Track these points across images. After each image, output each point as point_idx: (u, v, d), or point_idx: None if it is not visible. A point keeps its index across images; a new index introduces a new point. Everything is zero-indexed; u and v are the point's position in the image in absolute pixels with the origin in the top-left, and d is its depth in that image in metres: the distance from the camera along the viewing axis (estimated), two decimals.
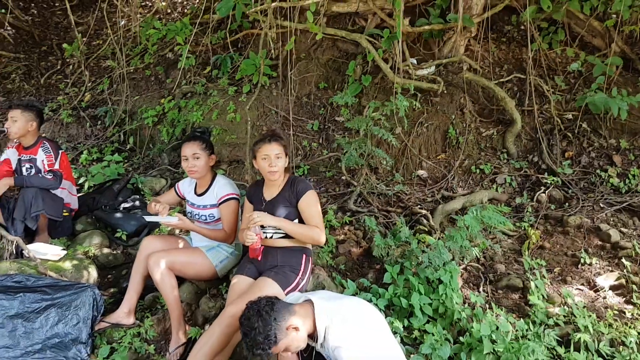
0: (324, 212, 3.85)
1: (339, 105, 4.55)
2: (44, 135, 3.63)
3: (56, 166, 3.52)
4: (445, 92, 4.46)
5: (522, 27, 4.27)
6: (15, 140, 3.55)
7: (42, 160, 3.50)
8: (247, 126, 4.36)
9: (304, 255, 2.84)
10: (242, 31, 5.08)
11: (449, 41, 4.61)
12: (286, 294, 2.69)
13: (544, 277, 3.13)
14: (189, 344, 2.79)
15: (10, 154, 3.53)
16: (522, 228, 3.63)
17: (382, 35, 4.31)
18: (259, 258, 2.78)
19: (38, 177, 3.43)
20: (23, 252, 3.12)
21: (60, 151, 3.58)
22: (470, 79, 4.47)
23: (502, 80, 4.59)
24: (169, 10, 6.05)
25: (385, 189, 4.09)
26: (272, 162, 2.77)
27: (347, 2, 4.67)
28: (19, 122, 3.45)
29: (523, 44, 4.74)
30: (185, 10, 5.93)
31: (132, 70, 5.26)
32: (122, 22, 5.25)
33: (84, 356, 2.76)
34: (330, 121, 4.65)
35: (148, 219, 3.03)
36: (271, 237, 2.83)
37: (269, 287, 2.65)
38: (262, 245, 2.75)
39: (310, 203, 2.77)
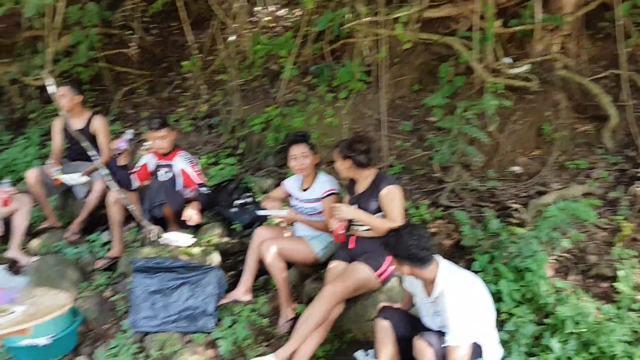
0: (417, 207, 4.25)
1: (431, 106, 4.92)
2: (177, 144, 4.37)
3: (203, 179, 4.18)
4: (539, 89, 4.66)
5: (618, 23, 4.36)
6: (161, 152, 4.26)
7: (183, 169, 4.11)
8: (343, 129, 4.89)
9: None
10: (339, 41, 5.62)
11: (542, 40, 4.79)
12: (377, 276, 3.16)
13: (634, 267, 3.29)
14: (296, 318, 3.34)
15: (149, 158, 4.31)
16: (616, 221, 3.76)
17: (473, 37, 4.63)
18: (351, 244, 3.27)
19: (204, 194, 4.11)
20: (160, 239, 3.87)
21: (195, 157, 4.27)
22: (565, 76, 4.63)
23: (597, 76, 4.69)
24: (272, 25, 6.76)
25: (478, 185, 4.39)
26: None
27: (439, 8, 5.03)
28: (168, 138, 4.11)
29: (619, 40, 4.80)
30: (287, 24, 6.60)
31: (242, 83, 6.00)
32: (232, 39, 6.01)
33: (211, 326, 3.40)
34: (423, 122, 5.04)
35: (261, 213, 3.68)
36: (358, 230, 3.30)
37: (361, 269, 3.14)
38: (344, 232, 3.22)
39: (390, 197, 3.14)
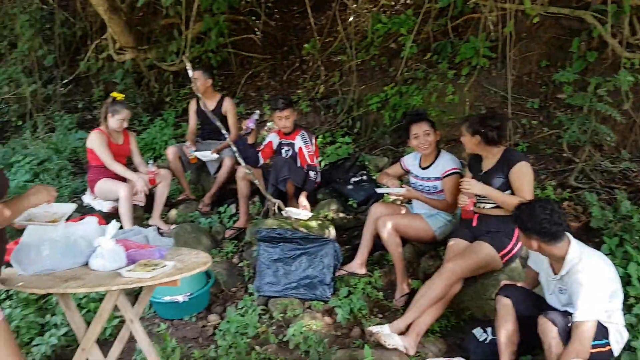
0: (543, 188, 4.09)
1: (560, 82, 4.66)
2: (298, 124, 4.62)
3: (315, 160, 4.41)
4: None
5: None
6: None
7: (301, 148, 4.39)
8: (464, 107, 4.80)
9: None
10: (462, 17, 5.50)
11: None
12: (500, 257, 3.12)
13: None
14: (412, 294, 3.40)
15: (273, 137, 4.59)
16: None
17: (608, 10, 4.31)
18: (474, 222, 3.24)
19: (312, 182, 4.36)
20: (282, 212, 4.12)
21: (313, 137, 4.49)
22: None
23: None
24: (392, 3, 6.77)
25: (610, 166, 4.12)
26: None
27: None
28: (291, 118, 4.39)
29: None
30: (408, 2, 6.56)
31: (359, 63, 6.11)
32: (351, 19, 6.13)
33: (328, 294, 3.59)
34: (552, 99, 4.79)
35: (380, 191, 3.78)
36: (484, 207, 3.26)
37: (484, 249, 3.11)
38: (473, 210, 3.20)
39: (520, 174, 3.06)
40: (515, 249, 3.19)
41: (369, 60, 6.22)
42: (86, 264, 2.32)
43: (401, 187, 3.67)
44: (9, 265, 2.24)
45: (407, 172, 3.84)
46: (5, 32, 8.09)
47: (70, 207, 2.29)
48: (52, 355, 3.09)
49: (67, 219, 2.30)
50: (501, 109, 4.77)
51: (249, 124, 4.24)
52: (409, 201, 3.94)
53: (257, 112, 4.34)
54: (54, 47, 7.79)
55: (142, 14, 7.71)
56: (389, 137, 5.46)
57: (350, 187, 4.63)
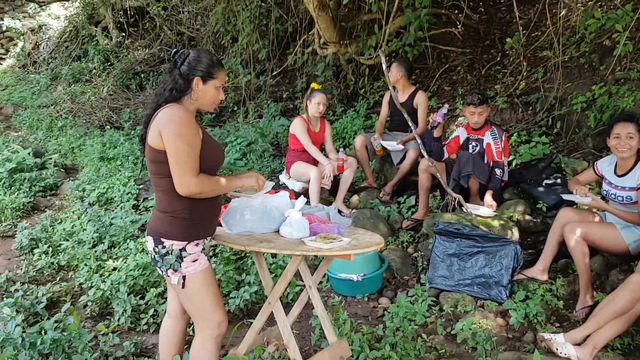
0: None
1: None
2: (489, 120, 4.59)
3: (502, 157, 4.34)
4: None
5: None
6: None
7: (489, 144, 4.36)
8: None
9: None
10: None
11: None
12: None
13: None
14: (594, 306, 3.21)
15: (460, 131, 4.65)
16: None
17: None
18: None
19: (497, 179, 4.32)
20: (462, 207, 4.17)
21: (504, 134, 4.41)
22: None
23: None
24: None
25: None
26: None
27: None
28: (484, 114, 4.36)
29: None
30: None
31: (566, 59, 5.76)
32: (562, 13, 5.80)
33: (503, 296, 3.55)
34: None
35: (566, 197, 3.61)
36: None
37: None
38: None
39: None
40: None
41: (577, 57, 5.83)
42: (277, 231, 2.71)
43: (587, 195, 3.45)
44: (219, 224, 2.74)
45: (601, 177, 3.60)
46: (229, 27, 9.34)
47: (269, 185, 2.70)
48: (243, 308, 3.63)
49: (265, 192, 2.72)
50: None
51: (437, 117, 4.36)
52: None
53: (446, 105, 4.43)
54: (268, 42, 8.77)
55: (347, 10, 8.24)
56: (591, 140, 5.09)
57: (541, 189, 4.47)
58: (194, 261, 2.33)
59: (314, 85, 5.00)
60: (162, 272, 2.36)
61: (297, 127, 4.93)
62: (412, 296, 3.75)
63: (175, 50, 2.38)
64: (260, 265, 2.78)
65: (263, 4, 8.90)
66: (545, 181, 4.50)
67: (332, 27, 7.38)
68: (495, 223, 4.01)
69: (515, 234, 3.96)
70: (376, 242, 2.61)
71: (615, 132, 3.33)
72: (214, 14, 9.51)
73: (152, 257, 2.37)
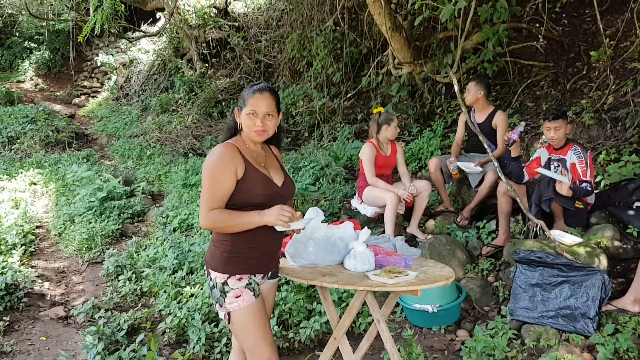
0: None
1: None
2: (572, 138, 4.30)
3: (588, 176, 4.04)
4: None
5: None
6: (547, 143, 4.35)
7: (573, 164, 4.10)
8: None
9: None
10: None
11: None
12: None
13: None
14: None
15: (542, 152, 4.40)
16: None
17: None
18: None
19: (582, 188, 4.03)
20: (545, 233, 3.92)
21: (588, 152, 4.12)
22: None
23: None
24: None
25: None
26: None
27: None
28: (562, 130, 4.12)
29: None
30: None
31: None
32: None
33: (590, 330, 3.30)
34: None
35: None
36: None
37: None
38: None
39: None
40: None
41: None
42: (341, 263, 2.67)
43: None
44: (283, 255, 2.74)
45: None
46: (305, 53, 9.52)
47: (318, 213, 2.60)
48: (314, 338, 3.61)
49: (329, 222, 2.68)
50: None
51: (513, 134, 4.17)
52: None
53: (523, 123, 4.24)
54: (342, 65, 8.83)
55: (422, 29, 8.13)
56: None
57: (631, 212, 4.12)
58: (237, 297, 2.30)
59: (380, 109, 4.91)
60: (214, 305, 2.39)
61: (364, 154, 4.82)
62: (492, 329, 3.56)
63: None
64: (325, 298, 2.75)
65: (337, 27, 9.00)
66: (636, 203, 4.15)
67: (406, 47, 7.31)
68: (581, 250, 3.74)
69: (603, 262, 3.67)
70: (446, 277, 2.50)
71: None
72: (290, 40, 9.74)
73: (208, 288, 2.42)
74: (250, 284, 2.34)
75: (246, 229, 2.27)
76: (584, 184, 4.03)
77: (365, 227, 2.72)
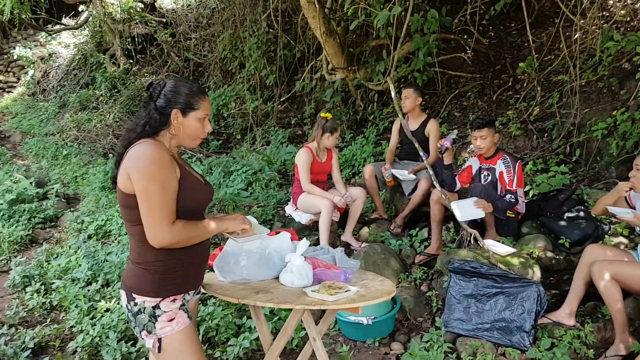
0: None
1: None
2: (502, 148, 4.29)
3: (514, 186, 4.03)
4: None
5: None
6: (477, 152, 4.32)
7: (501, 172, 4.10)
8: None
9: None
10: None
11: None
12: None
13: None
14: (629, 357, 2.88)
15: (473, 161, 4.37)
16: None
17: None
18: None
19: (504, 201, 4.00)
20: (478, 243, 3.86)
21: (517, 162, 4.11)
22: None
23: None
24: (628, 19, 5.96)
25: None
26: None
27: None
28: (488, 139, 4.07)
29: None
30: None
31: (583, 83, 5.49)
32: (577, 36, 5.55)
33: (526, 344, 3.21)
34: None
35: (611, 210, 3.21)
36: None
37: None
38: None
39: None
40: None
41: (595, 81, 5.55)
42: (277, 277, 2.43)
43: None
44: (210, 269, 2.45)
45: (633, 207, 3.28)
46: (237, 53, 9.19)
47: (262, 229, 2.37)
48: (243, 357, 3.32)
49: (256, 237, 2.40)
50: None
51: (446, 142, 4.12)
52: (634, 247, 3.37)
53: (455, 131, 4.21)
54: (275, 68, 8.58)
55: (355, 36, 8.05)
56: (615, 169, 4.78)
57: (563, 223, 4.13)
58: (170, 320, 1.99)
59: (328, 115, 4.68)
60: (137, 333, 2.03)
61: (300, 159, 4.60)
62: (427, 341, 3.41)
63: (150, 82, 2.10)
64: (257, 316, 2.49)
65: (270, 30, 8.75)
66: (567, 214, 4.18)
67: (340, 53, 7.18)
68: (515, 261, 3.69)
69: (537, 273, 3.63)
70: (387, 291, 2.32)
71: (638, 163, 3.06)
72: (221, 40, 9.38)
73: (126, 315, 2.05)
74: (183, 304, 2.04)
75: (204, 239, 2.04)
76: (507, 195, 4.01)
77: (304, 239, 2.47)
